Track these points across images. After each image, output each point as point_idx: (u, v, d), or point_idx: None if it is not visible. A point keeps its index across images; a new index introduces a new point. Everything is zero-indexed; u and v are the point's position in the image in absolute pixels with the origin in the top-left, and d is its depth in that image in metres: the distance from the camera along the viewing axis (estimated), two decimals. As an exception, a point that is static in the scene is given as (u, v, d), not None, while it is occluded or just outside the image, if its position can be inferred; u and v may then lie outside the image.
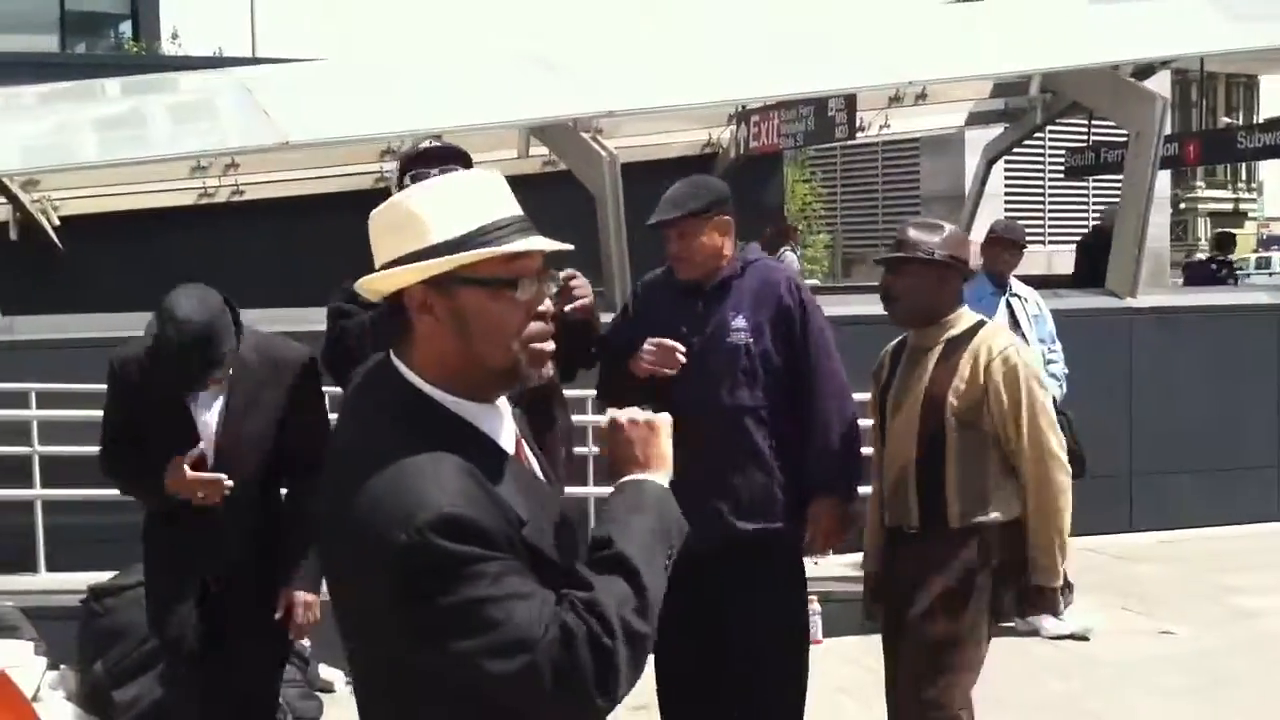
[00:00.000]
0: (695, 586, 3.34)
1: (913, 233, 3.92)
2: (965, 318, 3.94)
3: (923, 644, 3.84)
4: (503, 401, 2.01)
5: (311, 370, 3.93)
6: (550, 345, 1.94)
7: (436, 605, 1.74)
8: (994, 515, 3.81)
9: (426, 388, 1.91)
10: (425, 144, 3.95)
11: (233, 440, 3.81)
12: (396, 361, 1.94)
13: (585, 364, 4.10)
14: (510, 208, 1.92)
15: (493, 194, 1.92)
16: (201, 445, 3.79)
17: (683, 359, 3.94)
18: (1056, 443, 3.81)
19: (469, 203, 1.89)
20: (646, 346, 3.96)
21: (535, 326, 1.92)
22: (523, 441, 2.03)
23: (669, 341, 3.96)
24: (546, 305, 1.94)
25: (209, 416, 3.82)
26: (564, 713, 1.81)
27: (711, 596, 3.94)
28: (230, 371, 3.77)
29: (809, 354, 4.06)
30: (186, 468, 3.70)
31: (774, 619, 4.08)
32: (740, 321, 4.01)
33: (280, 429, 3.86)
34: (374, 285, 1.93)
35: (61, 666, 5.64)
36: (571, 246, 1.98)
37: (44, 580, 6.60)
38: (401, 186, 3.89)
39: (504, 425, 1.97)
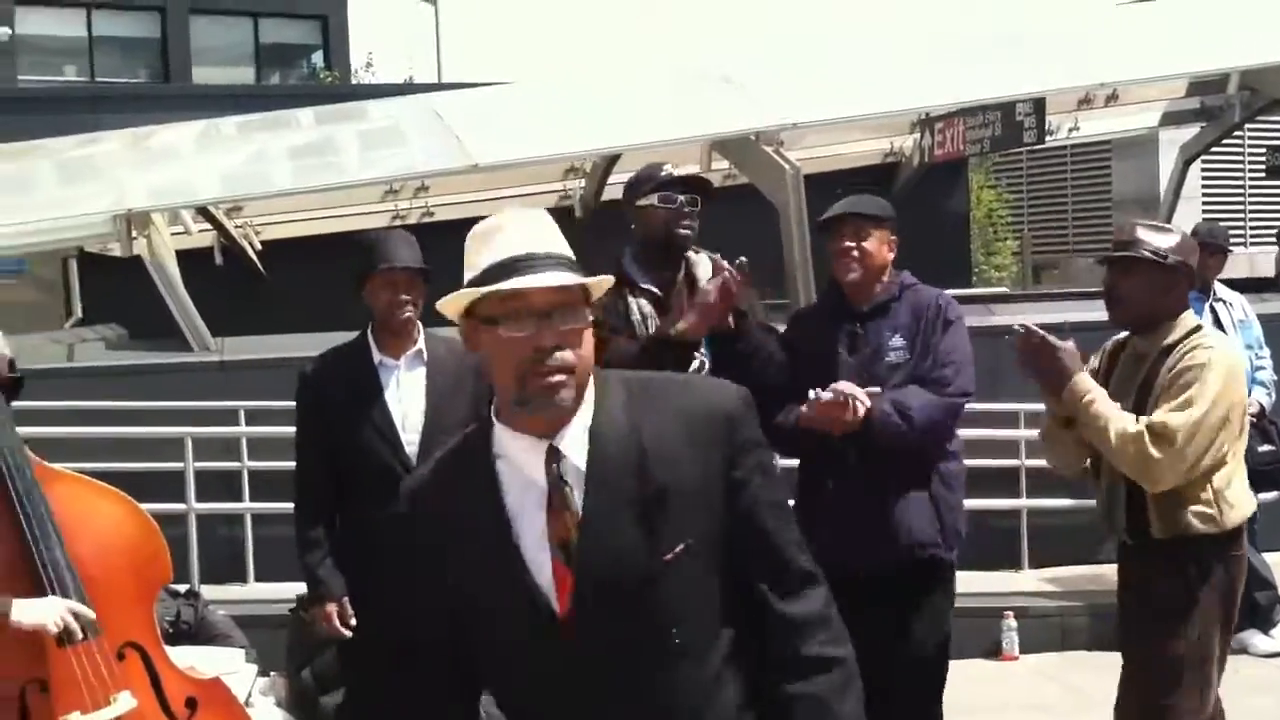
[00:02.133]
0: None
1: (1142, 233, 3.73)
2: (1183, 324, 3.73)
3: (1137, 660, 3.75)
4: (573, 439, 2.02)
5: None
6: (554, 378, 1.96)
7: None
8: (1197, 528, 3.64)
9: (492, 411, 2.09)
10: (667, 170, 4.02)
11: (438, 418, 3.94)
12: None
13: None
14: (527, 245, 1.98)
15: (515, 232, 2.00)
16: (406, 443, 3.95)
17: (861, 408, 3.78)
18: (1181, 423, 3.50)
19: (493, 241, 2.00)
20: (825, 396, 3.81)
21: (537, 360, 1.96)
22: (561, 485, 2.02)
23: (847, 388, 3.80)
24: (547, 340, 1.96)
25: (406, 398, 3.97)
26: None
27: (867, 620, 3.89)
28: (426, 360, 4.00)
29: (933, 359, 3.95)
30: (336, 619, 4.00)
31: (923, 645, 3.98)
32: (898, 341, 3.96)
33: (474, 416, 3.99)
34: (445, 312, 2.08)
35: (271, 673, 5.84)
36: (559, 282, 1.97)
37: (253, 590, 6.85)
38: (636, 206, 3.97)
39: (534, 461, 2.02)
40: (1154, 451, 3.52)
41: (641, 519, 2.00)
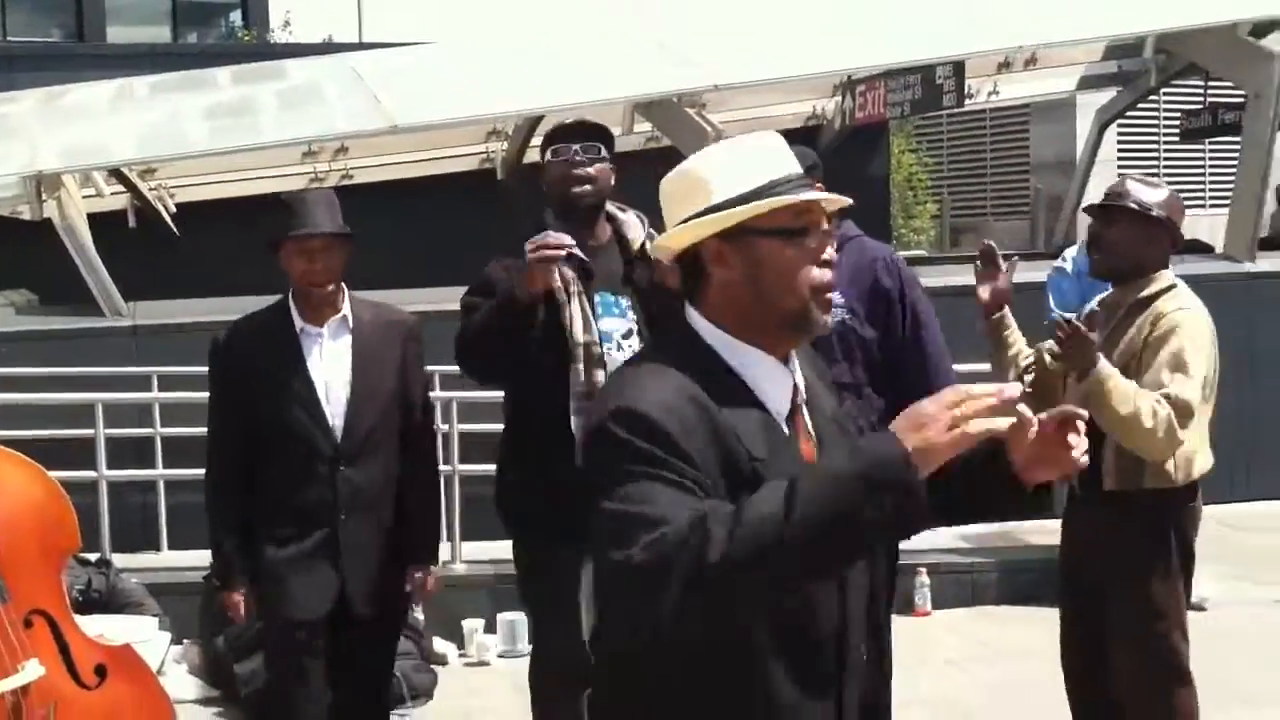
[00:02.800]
0: None
1: (1131, 185, 3.82)
2: (1159, 280, 3.79)
3: (1116, 609, 3.80)
4: (796, 365, 2.09)
5: (417, 335, 3.99)
6: (836, 294, 2.04)
7: (600, 481, 1.88)
8: (1154, 482, 3.72)
9: (710, 333, 2.03)
10: (569, 120, 3.88)
11: (364, 391, 3.81)
12: (690, 311, 2.07)
13: None
14: (794, 165, 2.06)
15: (778, 153, 2.06)
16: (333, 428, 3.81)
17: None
18: (1193, 395, 3.59)
19: (758, 160, 2.04)
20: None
21: (823, 274, 2.03)
22: (803, 409, 2.08)
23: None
24: (830, 254, 2.04)
25: (330, 370, 3.82)
26: (621, 612, 1.88)
27: None
28: (351, 327, 3.85)
29: (912, 331, 4.01)
30: (240, 608, 3.87)
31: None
32: (837, 298, 3.93)
33: (400, 386, 3.90)
34: (671, 241, 2.07)
35: (184, 641, 5.80)
36: (848, 201, 2.10)
37: (166, 558, 6.79)
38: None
39: (781, 384, 2.04)
40: (1179, 428, 3.58)
41: (843, 440, 2.11)
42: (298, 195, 3.95)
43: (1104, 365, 3.58)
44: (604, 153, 3.76)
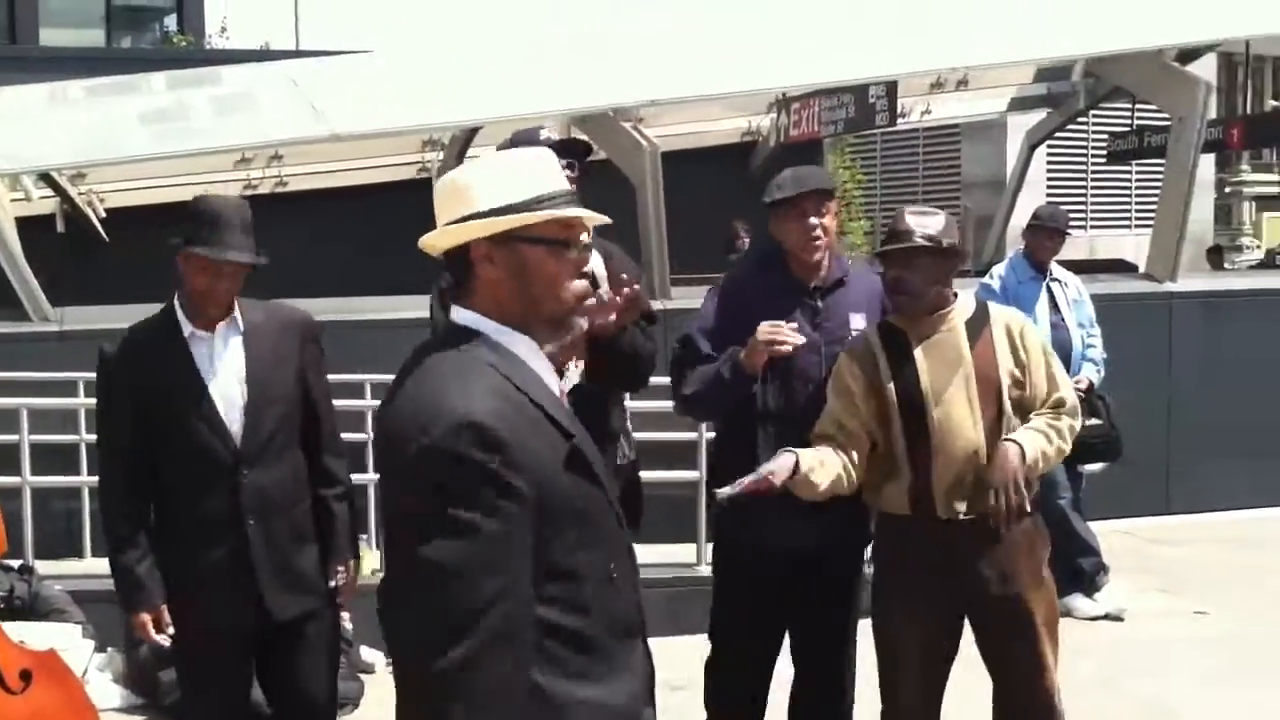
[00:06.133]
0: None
1: (913, 220, 3.75)
2: (968, 300, 3.84)
3: (1032, 627, 3.81)
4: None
5: (316, 333, 3.84)
6: (592, 300, 2.27)
7: (436, 506, 1.99)
8: (1035, 486, 3.77)
9: (481, 323, 2.17)
10: (546, 133, 3.74)
11: (261, 393, 3.65)
12: (456, 308, 2.21)
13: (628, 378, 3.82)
14: (563, 182, 2.24)
15: (549, 169, 2.25)
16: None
17: (799, 338, 3.73)
18: (1069, 394, 3.80)
19: (531, 173, 2.22)
20: (763, 327, 3.72)
21: (581, 284, 2.21)
22: (563, 395, 2.27)
23: (781, 323, 3.73)
24: (590, 267, 2.25)
25: (224, 373, 3.64)
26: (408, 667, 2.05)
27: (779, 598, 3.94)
28: (242, 329, 3.65)
29: None
30: (151, 628, 3.61)
31: (836, 619, 4.02)
32: (860, 321, 3.89)
33: (301, 388, 3.75)
34: (440, 240, 2.21)
35: (108, 649, 5.74)
36: (609, 220, 2.29)
37: (90, 565, 6.69)
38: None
39: (547, 366, 2.20)
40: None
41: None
42: (213, 208, 3.61)
43: (1029, 446, 3.64)
44: (577, 173, 3.68)
